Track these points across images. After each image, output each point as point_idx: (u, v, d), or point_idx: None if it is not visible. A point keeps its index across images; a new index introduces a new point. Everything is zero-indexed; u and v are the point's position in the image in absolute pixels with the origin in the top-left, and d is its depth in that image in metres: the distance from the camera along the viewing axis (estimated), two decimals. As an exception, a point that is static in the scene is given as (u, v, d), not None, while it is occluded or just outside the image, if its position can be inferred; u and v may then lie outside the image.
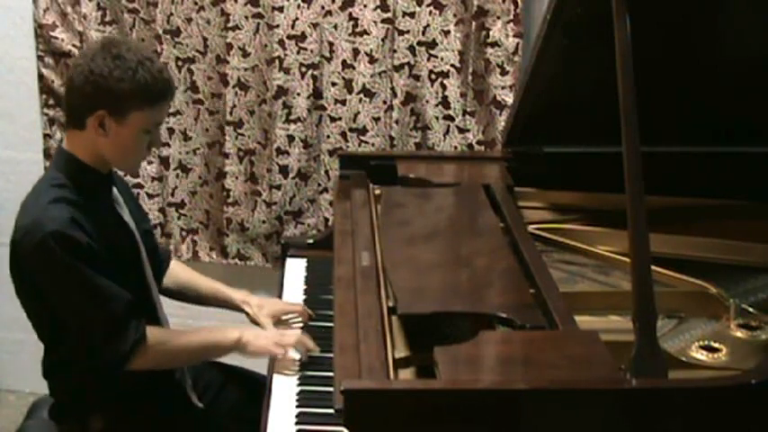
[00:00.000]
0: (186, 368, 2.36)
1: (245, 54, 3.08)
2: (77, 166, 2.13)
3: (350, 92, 3.05)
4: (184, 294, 2.48)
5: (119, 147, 2.12)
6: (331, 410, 1.78)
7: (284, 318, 2.39)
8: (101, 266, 2.06)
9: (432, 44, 2.97)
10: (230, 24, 3.06)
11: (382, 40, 2.99)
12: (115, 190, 2.25)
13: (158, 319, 2.31)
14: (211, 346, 2.22)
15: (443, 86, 2.99)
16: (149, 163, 3.22)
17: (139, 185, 3.23)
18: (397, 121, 3.05)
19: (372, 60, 3.00)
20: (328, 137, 3.09)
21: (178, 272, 2.48)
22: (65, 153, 2.15)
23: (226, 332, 2.21)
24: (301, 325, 2.36)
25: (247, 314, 2.43)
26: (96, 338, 2.08)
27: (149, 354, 2.11)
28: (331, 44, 3.01)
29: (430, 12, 2.95)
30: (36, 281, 2.09)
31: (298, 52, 3.04)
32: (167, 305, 2.41)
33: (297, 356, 2.16)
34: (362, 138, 3.08)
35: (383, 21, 2.97)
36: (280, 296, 2.52)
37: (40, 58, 3.20)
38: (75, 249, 2.02)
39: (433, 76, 2.99)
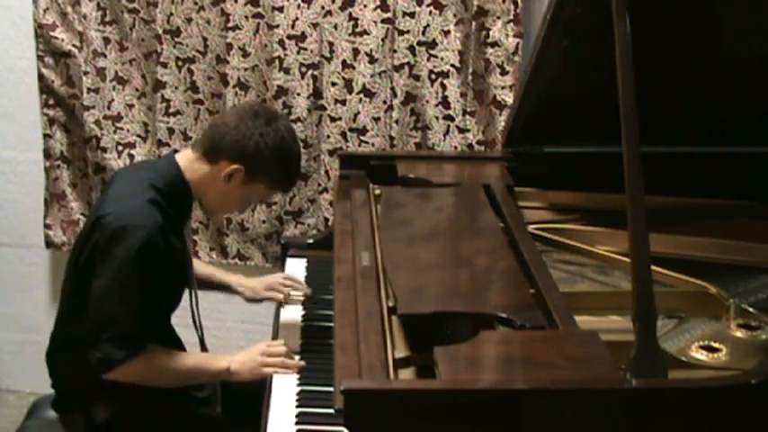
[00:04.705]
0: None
1: (245, 54, 3.08)
2: (181, 183, 2.20)
3: (350, 92, 3.04)
4: None
5: (227, 198, 2.25)
6: (331, 410, 1.78)
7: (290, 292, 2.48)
8: (158, 278, 2.10)
9: (432, 44, 2.97)
10: (230, 24, 3.06)
11: (382, 40, 2.99)
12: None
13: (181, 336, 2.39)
14: (199, 372, 2.22)
15: (443, 86, 2.99)
16: (149, 163, 3.22)
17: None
18: (397, 121, 3.05)
19: (372, 60, 3.00)
20: (328, 137, 3.09)
21: None
22: (176, 166, 2.21)
23: (215, 361, 2.21)
24: (302, 325, 2.37)
25: (243, 295, 2.51)
26: (102, 331, 2.09)
27: (137, 370, 2.11)
28: (331, 44, 3.01)
29: (430, 12, 2.95)
30: (94, 255, 2.12)
31: (298, 52, 3.04)
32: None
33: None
34: (362, 138, 3.08)
35: (383, 21, 2.97)
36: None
37: (40, 58, 3.19)
38: (149, 252, 2.07)
39: (433, 76, 2.99)
